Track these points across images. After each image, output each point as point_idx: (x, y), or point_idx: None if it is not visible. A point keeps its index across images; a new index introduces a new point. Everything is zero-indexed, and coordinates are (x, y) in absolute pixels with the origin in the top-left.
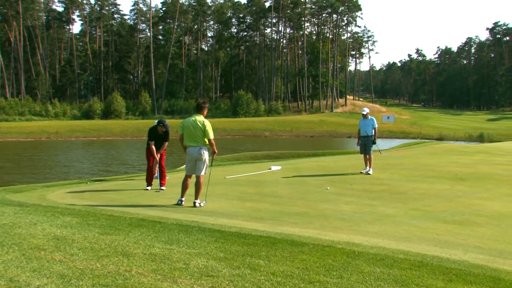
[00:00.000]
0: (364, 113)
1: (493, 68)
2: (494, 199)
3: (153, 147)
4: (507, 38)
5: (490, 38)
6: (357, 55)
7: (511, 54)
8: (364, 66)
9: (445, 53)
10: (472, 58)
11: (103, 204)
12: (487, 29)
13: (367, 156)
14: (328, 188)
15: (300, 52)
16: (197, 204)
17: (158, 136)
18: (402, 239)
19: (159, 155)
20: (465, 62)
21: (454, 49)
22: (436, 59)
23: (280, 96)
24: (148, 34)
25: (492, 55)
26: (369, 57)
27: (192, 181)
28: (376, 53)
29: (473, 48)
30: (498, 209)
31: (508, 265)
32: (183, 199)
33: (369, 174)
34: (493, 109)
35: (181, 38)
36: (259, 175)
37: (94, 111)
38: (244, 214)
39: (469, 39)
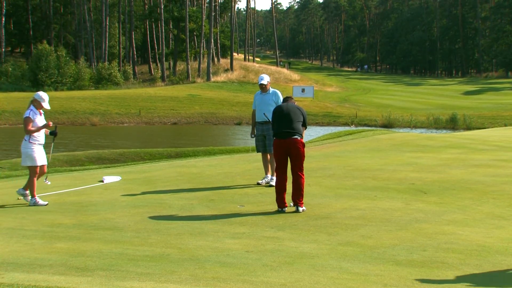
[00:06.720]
0: (264, 83)
1: (471, 7)
2: (473, 224)
3: None
4: None
5: None
6: None
7: None
8: (262, 3)
9: None
10: None
11: None
12: None
13: (268, 157)
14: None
15: None
16: None
17: None
18: None
19: None
20: None
21: None
22: None
23: (119, 55)
24: None
25: None
26: None
27: None
28: None
29: None
30: (479, 241)
31: None
32: None
33: (271, 186)
34: (472, 75)
35: None
36: (81, 192)
37: None
38: (55, 263)
39: None
